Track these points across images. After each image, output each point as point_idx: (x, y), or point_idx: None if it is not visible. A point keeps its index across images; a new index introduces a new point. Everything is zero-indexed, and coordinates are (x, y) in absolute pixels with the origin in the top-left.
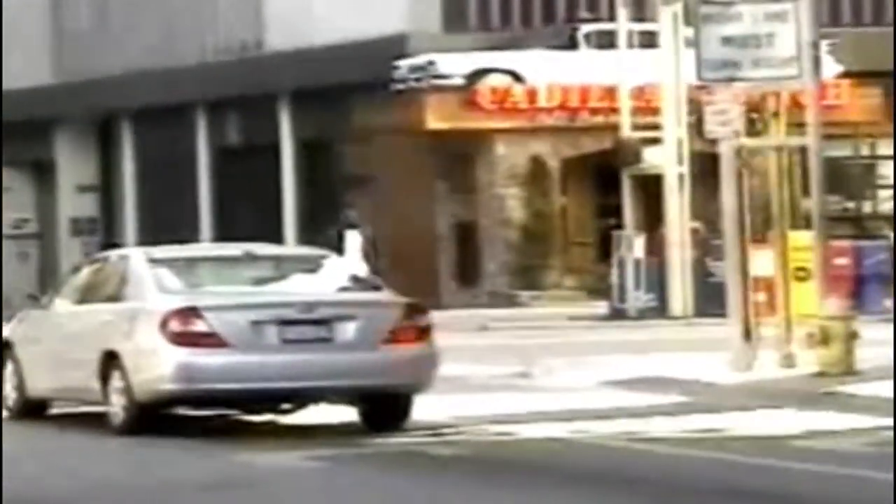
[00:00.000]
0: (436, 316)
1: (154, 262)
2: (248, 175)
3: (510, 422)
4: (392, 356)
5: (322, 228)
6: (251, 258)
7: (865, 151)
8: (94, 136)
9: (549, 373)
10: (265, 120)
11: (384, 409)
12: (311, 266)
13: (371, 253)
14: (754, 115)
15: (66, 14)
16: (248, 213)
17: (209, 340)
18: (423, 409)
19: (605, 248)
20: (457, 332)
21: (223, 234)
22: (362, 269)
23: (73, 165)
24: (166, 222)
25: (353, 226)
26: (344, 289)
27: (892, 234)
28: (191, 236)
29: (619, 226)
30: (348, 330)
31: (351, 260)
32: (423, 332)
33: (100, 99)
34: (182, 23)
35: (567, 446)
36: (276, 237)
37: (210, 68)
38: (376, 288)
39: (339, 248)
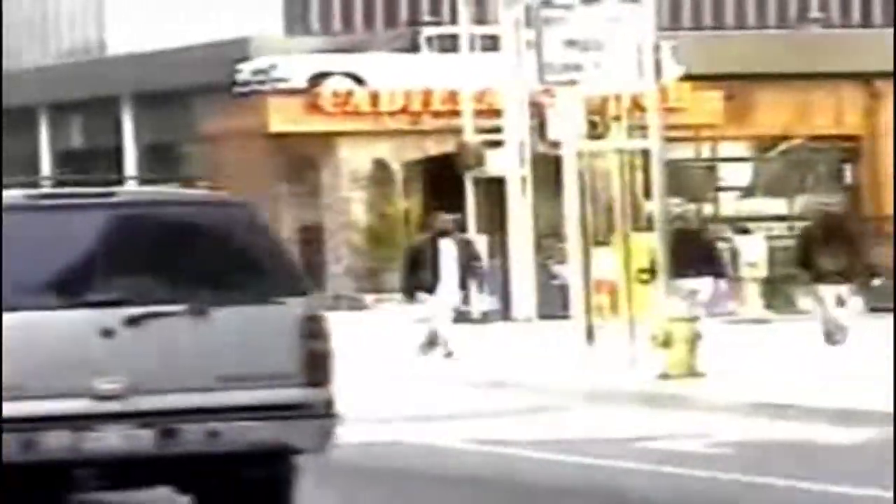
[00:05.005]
0: None
1: None
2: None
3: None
4: None
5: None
6: None
7: (706, 154)
8: None
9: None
10: (108, 123)
11: None
12: None
13: (474, 263)
14: (596, 118)
15: None
16: None
17: None
18: None
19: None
20: None
21: None
22: (455, 285)
23: None
24: None
25: (445, 233)
26: None
27: (733, 237)
28: None
29: (463, 229)
30: None
31: (447, 272)
32: None
33: None
34: (22, 24)
35: (410, 449)
36: None
37: (51, 70)
38: None
39: (431, 259)
